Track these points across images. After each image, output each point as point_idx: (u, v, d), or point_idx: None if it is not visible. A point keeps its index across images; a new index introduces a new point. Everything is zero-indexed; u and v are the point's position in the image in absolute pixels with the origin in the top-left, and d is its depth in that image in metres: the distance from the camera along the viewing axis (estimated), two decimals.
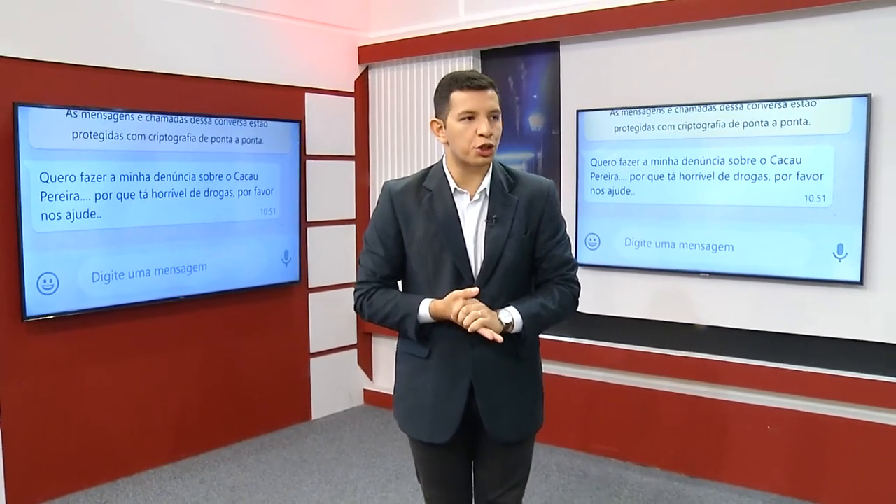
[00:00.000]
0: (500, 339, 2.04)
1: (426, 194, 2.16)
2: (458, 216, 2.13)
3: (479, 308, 2.04)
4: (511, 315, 2.09)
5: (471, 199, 2.15)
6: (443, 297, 2.10)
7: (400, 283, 2.27)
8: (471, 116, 2.07)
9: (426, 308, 2.11)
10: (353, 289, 2.26)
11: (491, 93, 2.09)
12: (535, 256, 2.19)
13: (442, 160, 2.20)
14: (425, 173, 2.22)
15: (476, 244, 2.14)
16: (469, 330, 2.02)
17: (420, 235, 2.15)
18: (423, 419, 2.20)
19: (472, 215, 2.15)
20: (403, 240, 2.18)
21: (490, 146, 2.08)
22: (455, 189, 2.15)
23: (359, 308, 2.23)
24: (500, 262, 2.12)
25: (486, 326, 2.02)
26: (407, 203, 2.17)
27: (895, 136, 3.34)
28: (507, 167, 2.23)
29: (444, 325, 2.11)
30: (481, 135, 2.06)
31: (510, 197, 2.15)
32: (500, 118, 2.13)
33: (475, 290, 2.07)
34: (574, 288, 2.23)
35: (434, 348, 2.16)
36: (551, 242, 2.19)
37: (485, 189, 2.14)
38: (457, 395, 2.14)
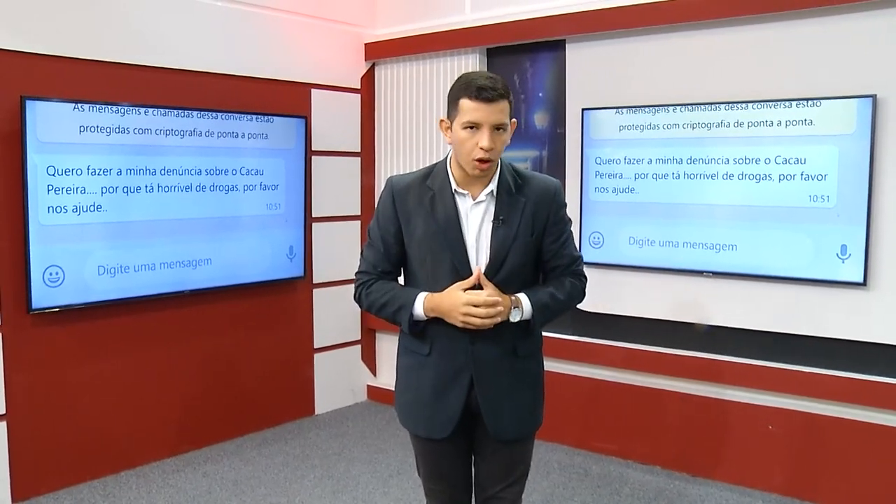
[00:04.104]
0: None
1: (428, 193, 2.16)
2: (458, 217, 2.13)
3: (491, 305, 2.05)
4: (520, 301, 2.11)
5: (474, 200, 2.14)
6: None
7: (402, 279, 2.28)
8: (475, 127, 2.04)
9: (420, 303, 2.11)
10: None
11: (501, 105, 2.02)
12: (542, 259, 2.20)
13: (447, 158, 2.20)
14: (429, 171, 2.22)
15: (478, 245, 2.13)
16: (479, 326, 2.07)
17: (420, 235, 2.15)
18: (422, 414, 2.22)
19: (476, 216, 2.14)
20: (403, 238, 2.19)
21: (489, 160, 2.05)
22: (456, 190, 2.14)
23: (357, 297, 2.25)
24: (505, 263, 2.13)
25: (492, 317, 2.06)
26: (408, 202, 2.17)
27: None
28: (515, 167, 2.22)
29: (444, 323, 2.12)
30: (482, 148, 2.03)
31: (517, 198, 2.15)
32: (508, 129, 2.09)
33: (477, 271, 2.08)
34: (583, 281, 2.26)
35: (434, 345, 2.17)
36: (557, 244, 2.20)
37: (492, 191, 2.14)
38: (457, 391, 2.15)
